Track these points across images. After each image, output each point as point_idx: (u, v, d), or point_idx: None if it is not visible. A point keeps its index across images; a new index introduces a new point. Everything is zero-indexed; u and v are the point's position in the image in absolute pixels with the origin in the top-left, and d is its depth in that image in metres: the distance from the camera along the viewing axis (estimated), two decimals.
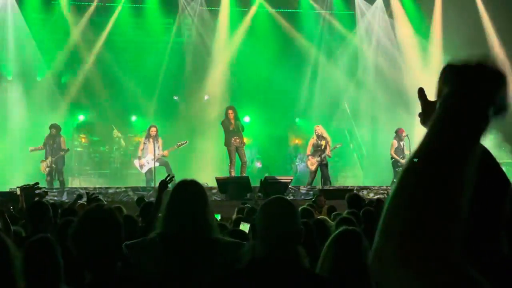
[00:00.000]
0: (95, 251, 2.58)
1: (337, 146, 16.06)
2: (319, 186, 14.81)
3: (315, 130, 15.69)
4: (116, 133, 18.14)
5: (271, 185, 13.47)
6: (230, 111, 15.31)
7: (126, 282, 2.61)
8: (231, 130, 15.19)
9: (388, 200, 1.08)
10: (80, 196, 7.70)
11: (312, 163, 15.57)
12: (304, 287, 2.49)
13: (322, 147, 15.44)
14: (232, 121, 15.19)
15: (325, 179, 15.39)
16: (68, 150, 15.58)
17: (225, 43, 19.00)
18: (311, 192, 13.80)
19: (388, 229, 1.05)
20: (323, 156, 15.39)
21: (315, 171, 15.58)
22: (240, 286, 2.50)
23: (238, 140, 15.21)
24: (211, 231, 3.37)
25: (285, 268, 2.52)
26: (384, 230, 1.06)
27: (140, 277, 3.05)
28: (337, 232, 3.33)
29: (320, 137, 15.56)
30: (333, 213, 7.26)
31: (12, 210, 6.77)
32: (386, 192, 14.88)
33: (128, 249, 3.26)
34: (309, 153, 15.74)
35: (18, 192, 8.59)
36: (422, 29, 19.05)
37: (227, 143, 15.30)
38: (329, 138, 15.70)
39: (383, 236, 1.06)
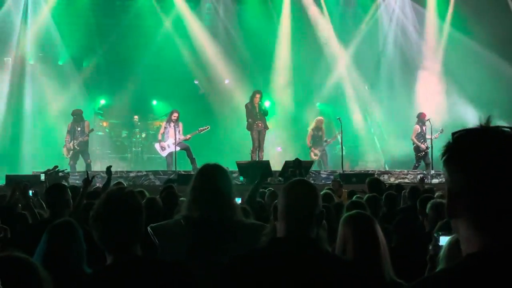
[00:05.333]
0: (115, 233, 2.58)
1: (337, 135, 16.14)
2: (339, 170, 14.83)
3: (316, 121, 16.70)
4: (136, 118, 18.26)
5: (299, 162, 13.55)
6: (257, 95, 15.34)
7: (148, 264, 2.63)
8: (255, 114, 15.21)
9: None
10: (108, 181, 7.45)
11: (316, 153, 16.54)
12: (323, 267, 2.51)
13: (322, 137, 16.63)
14: (257, 106, 15.23)
15: (325, 165, 16.56)
16: (92, 129, 15.73)
17: (246, 27, 18.94)
18: (332, 177, 13.82)
19: None
20: (324, 145, 16.58)
21: (319, 160, 16.49)
22: (260, 264, 2.52)
23: (260, 125, 15.24)
24: (234, 213, 3.41)
25: (305, 248, 2.54)
26: None
27: (163, 259, 3.09)
28: (344, 216, 3.34)
29: (318, 129, 16.60)
30: (355, 196, 7.24)
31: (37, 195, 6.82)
32: (406, 176, 14.86)
33: (153, 231, 3.30)
34: (310, 145, 16.74)
35: (43, 178, 8.69)
36: (441, 9, 18.89)
37: (250, 127, 15.31)
38: (323, 130, 16.72)
39: None
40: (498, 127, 1.52)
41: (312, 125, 16.65)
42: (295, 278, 2.42)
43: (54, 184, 5.45)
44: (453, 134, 1.56)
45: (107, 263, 2.62)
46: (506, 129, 1.51)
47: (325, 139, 16.64)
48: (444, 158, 1.54)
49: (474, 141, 1.51)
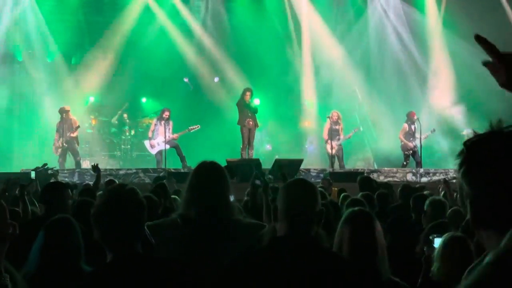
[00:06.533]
0: (117, 231, 2.57)
1: (355, 130, 16.17)
2: (329, 169, 14.86)
3: (332, 115, 15.91)
4: (125, 115, 18.18)
5: (282, 167, 13.50)
6: (248, 93, 15.33)
7: (147, 262, 2.62)
8: (246, 112, 15.20)
9: None
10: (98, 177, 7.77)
11: (332, 146, 15.77)
12: (324, 265, 2.52)
13: (339, 131, 15.91)
14: (248, 103, 15.24)
15: (340, 161, 15.94)
16: (78, 126, 15.58)
17: (236, 25, 18.94)
18: (321, 175, 13.83)
19: None
20: (341, 140, 15.89)
21: (336, 155, 15.81)
22: (261, 264, 2.53)
23: (251, 123, 15.23)
24: (232, 212, 3.39)
25: (306, 247, 2.55)
26: None
27: (161, 257, 3.08)
28: (347, 212, 3.35)
29: (335, 122, 15.88)
30: (342, 195, 7.28)
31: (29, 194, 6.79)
32: (395, 174, 14.91)
33: (149, 230, 3.28)
34: (327, 137, 15.98)
35: (33, 176, 8.64)
36: (433, 11, 18.97)
37: (241, 123, 15.27)
38: (341, 125, 16.04)
39: None
40: (510, 128, 1.41)
41: (329, 119, 15.95)
42: (298, 277, 2.43)
43: (51, 183, 5.42)
44: (465, 143, 1.45)
45: (108, 260, 2.61)
46: None
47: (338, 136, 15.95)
48: (462, 170, 1.43)
49: (492, 147, 1.40)
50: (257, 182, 5.43)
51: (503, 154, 1.37)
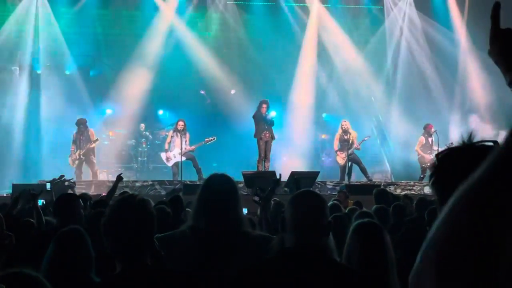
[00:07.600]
0: (127, 241, 2.56)
1: (365, 139, 16.08)
2: (345, 182, 14.79)
3: (342, 124, 15.80)
4: (142, 126, 18.26)
5: (297, 180, 13.48)
6: (264, 105, 15.30)
7: (157, 274, 2.61)
8: (263, 124, 15.18)
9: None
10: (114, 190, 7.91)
11: (342, 157, 15.69)
12: (332, 277, 2.51)
13: (350, 141, 15.61)
14: (264, 115, 15.23)
15: (363, 170, 15.72)
16: (97, 139, 15.71)
17: (252, 37, 19.01)
18: (338, 188, 13.77)
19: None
20: (350, 150, 15.57)
21: (345, 166, 15.66)
22: (269, 275, 2.52)
23: (268, 135, 15.21)
24: (241, 224, 3.37)
25: (314, 259, 2.54)
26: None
27: (170, 269, 3.07)
28: (355, 224, 3.32)
29: (346, 132, 15.72)
30: (349, 207, 7.23)
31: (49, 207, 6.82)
32: (413, 187, 14.80)
33: (159, 242, 3.27)
34: (337, 148, 15.93)
35: (48, 187, 8.67)
36: (448, 21, 18.91)
37: (258, 135, 15.25)
38: (354, 133, 15.80)
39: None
40: (481, 142, 1.48)
41: (339, 128, 15.98)
42: None
43: (64, 194, 5.43)
44: (437, 155, 1.53)
45: (117, 271, 2.59)
46: (489, 143, 1.46)
47: (348, 146, 15.66)
48: (432, 180, 1.51)
49: (460, 160, 1.44)
50: (256, 198, 5.33)
51: (470, 167, 1.33)
